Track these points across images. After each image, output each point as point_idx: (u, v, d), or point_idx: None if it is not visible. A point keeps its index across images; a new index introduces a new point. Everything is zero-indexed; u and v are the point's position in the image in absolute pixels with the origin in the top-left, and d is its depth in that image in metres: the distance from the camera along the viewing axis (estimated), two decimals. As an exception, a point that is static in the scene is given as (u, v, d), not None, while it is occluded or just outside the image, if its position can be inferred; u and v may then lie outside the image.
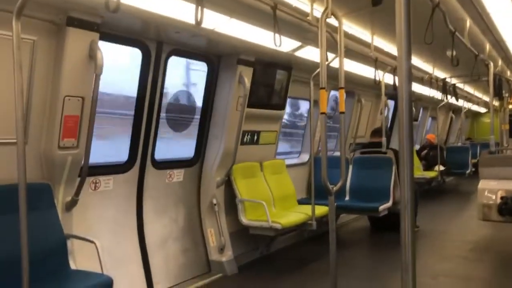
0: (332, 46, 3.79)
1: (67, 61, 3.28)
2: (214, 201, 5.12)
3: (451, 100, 9.57)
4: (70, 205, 3.54)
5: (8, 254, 2.85)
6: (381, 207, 6.18)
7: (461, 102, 12.22)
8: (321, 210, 5.45)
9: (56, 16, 3.20)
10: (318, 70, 3.45)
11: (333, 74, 3.65)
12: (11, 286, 2.71)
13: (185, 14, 3.44)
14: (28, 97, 3.21)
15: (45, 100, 3.33)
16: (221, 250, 5.10)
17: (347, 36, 4.98)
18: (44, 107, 3.33)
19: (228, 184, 5.29)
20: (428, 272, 4.99)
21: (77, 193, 3.54)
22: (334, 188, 3.43)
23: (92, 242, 3.27)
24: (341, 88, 3.46)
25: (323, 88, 3.29)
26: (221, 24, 3.95)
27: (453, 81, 9.08)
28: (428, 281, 4.67)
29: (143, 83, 4.40)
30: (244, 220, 5.18)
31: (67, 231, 3.41)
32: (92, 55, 3.34)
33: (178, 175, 4.94)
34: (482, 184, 5.51)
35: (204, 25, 3.39)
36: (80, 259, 3.44)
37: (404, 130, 1.62)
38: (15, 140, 2.53)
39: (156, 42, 4.37)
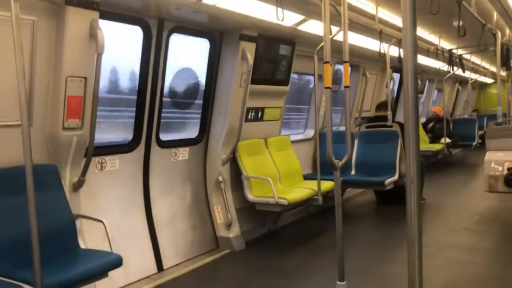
0: (336, 19, 3.72)
1: (68, 41, 3.24)
2: (220, 179, 5.14)
3: (458, 71, 9.44)
4: (77, 186, 3.57)
5: (18, 235, 2.89)
6: (387, 181, 6.19)
7: (467, 73, 12.06)
8: (327, 185, 5.47)
9: None
10: (322, 44, 3.40)
11: (337, 48, 3.60)
12: (22, 266, 2.76)
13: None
14: (30, 79, 3.20)
15: (47, 81, 3.31)
16: (228, 226, 5.16)
17: (351, 8, 4.89)
18: (47, 88, 3.32)
19: (233, 161, 5.30)
20: (435, 244, 5.02)
21: (84, 173, 3.56)
22: (340, 163, 3.43)
23: (100, 221, 3.31)
24: (346, 62, 3.41)
25: (327, 62, 3.25)
26: (223, -1, 3.88)
27: (460, 52, 8.94)
28: (435, 253, 4.70)
29: (145, 62, 4.36)
30: (250, 196, 5.21)
31: (75, 211, 3.45)
32: (93, 34, 3.30)
33: (183, 153, 4.95)
34: (489, 155, 5.48)
35: (205, 0, 3.33)
36: (89, 238, 3.49)
37: (409, 103, 1.60)
38: (19, 123, 2.53)
39: (157, 20, 4.31)
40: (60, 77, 3.28)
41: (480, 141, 11.61)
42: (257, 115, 5.66)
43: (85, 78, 3.37)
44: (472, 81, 13.37)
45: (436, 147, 10.47)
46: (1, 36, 2.92)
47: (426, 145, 10.21)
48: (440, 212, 6.63)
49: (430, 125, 11.31)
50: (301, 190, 5.45)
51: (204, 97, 5.20)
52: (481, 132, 11.89)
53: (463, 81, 14.04)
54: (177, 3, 3.79)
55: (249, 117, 5.48)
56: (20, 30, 2.47)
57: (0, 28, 2.90)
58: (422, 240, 1.62)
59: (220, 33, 4.99)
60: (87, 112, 3.43)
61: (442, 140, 10.48)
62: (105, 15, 3.60)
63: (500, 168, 5.28)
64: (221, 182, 5.15)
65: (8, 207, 3.00)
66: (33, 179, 2.51)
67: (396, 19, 5.88)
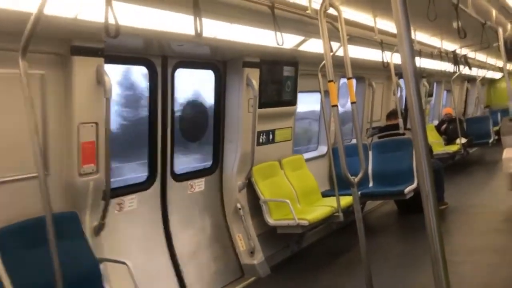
0: (335, 35, 3.75)
1: (77, 89, 3.33)
2: (239, 206, 5.13)
3: (464, 70, 9.39)
4: (98, 229, 3.60)
5: (45, 286, 2.91)
6: (407, 190, 6.11)
7: (475, 71, 11.97)
8: (346, 200, 5.42)
9: (60, 47, 3.25)
10: (324, 62, 3.43)
11: (340, 63, 3.62)
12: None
13: (186, 25, 3.45)
14: (43, 130, 3.27)
15: (60, 130, 3.38)
16: (251, 253, 5.12)
17: (349, 23, 4.93)
18: (60, 137, 3.39)
19: (250, 187, 5.30)
20: (463, 249, 4.92)
21: (103, 216, 3.59)
22: (356, 179, 3.41)
23: (123, 263, 3.32)
24: (349, 78, 3.43)
25: (331, 81, 3.27)
26: (222, 30, 3.95)
27: (464, 51, 8.91)
28: (464, 258, 4.60)
29: (153, 99, 4.43)
30: (270, 220, 5.18)
31: (98, 255, 3.47)
32: (100, 80, 3.38)
33: (199, 184, 4.97)
34: (507, 152, 5.41)
35: (205, 34, 3.40)
36: (115, 280, 3.50)
37: (414, 109, 1.58)
38: (36, 174, 2.58)
39: (160, 57, 4.40)
40: (72, 124, 3.35)
41: (496, 137, 11.43)
42: (268, 137, 5.68)
43: (96, 123, 3.44)
44: (480, 78, 13.27)
45: (452, 148, 10.33)
46: (12, 91, 3.00)
47: (441, 148, 10.07)
48: (464, 215, 6.51)
49: (444, 126, 11.20)
50: (321, 209, 5.41)
51: (214, 126, 5.25)
52: (496, 128, 11.72)
53: (471, 79, 13.94)
54: (178, 40, 3.87)
55: (260, 140, 5.50)
56: (30, 84, 2.54)
57: (11, 83, 2.99)
58: (445, 255, 1.59)
59: (223, 62, 5.07)
60: (101, 156, 3.49)
61: (458, 141, 10.35)
62: (110, 59, 3.69)
63: (520, 165, 5.20)
64: (239, 209, 5.14)
65: (33, 258, 3.03)
66: (54, 228, 2.54)
67: (395, 28, 5.90)
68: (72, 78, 3.31)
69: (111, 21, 2.66)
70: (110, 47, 3.58)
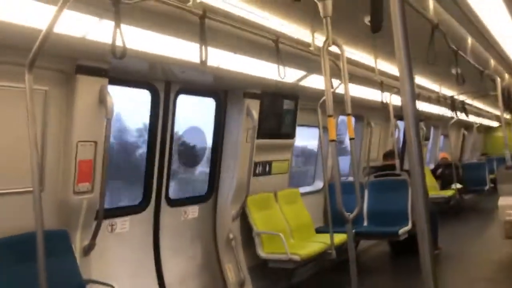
0: (336, 72, 3.83)
1: (79, 108, 3.36)
2: (231, 236, 5.08)
3: (462, 116, 9.51)
4: (88, 249, 3.55)
5: (28, 303, 2.85)
6: (401, 231, 6.07)
7: (472, 118, 12.13)
8: (340, 238, 5.37)
9: (66, 65, 3.30)
10: (324, 97, 3.48)
11: (340, 99, 3.67)
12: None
13: (190, 53, 3.53)
14: (42, 146, 3.28)
15: (58, 147, 3.39)
16: (241, 286, 5.03)
17: (351, 62, 5.04)
18: (58, 154, 3.39)
19: (243, 217, 5.26)
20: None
21: (94, 236, 3.55)
22: (351, 216, 3.40)
23: (111, 286, 3.26)
24: (348, 114, 3.48)
25: (331, 116, 3.31)
26: (226, 60, 4.03)
27: (462, 97, 9.06)
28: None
29: (153, 123, 4.47)
30: (262, 253, 5.11)
31: (85, 275, 3.41)
32: (102, 100, 3.42)
33: (193, 211, 4.94)
34: (502, 201, 5.40)
35: (209, 62, 3.47)
36: (100, 303, 3.42)
37: (413, 151, 1.60)
38: (31, 189, 2.57)
39: (164, 82, 4.46)
40: (71, 142, 3.36)
41: (492, 185, 11.45)
42: (265, 169, 5.68)
43: (95, 142, 3.45)
44: (477, 125, 13.42)
45: (447, 193, 10.33)
46: (14, 105, 3.03)
47: (436, 192, 10.07)
48: (457, 262, 6.44)
49: (439, 171, 11.23)
50: (314, 245, 5.35)
51: (211, 154, 5.26)
52: (492, 176, 11.75)
53: (468, 126, 14.10)
54: (183, 67, 3.94)
55: (257, 171, 5.50)
56: (33, 100, 2.57)
57: (14, 97, 3.02)
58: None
59: (225, 91, 5.14)
60: (97, 176, 3.48)
61: (453, 186, 10.36)
62: (113, 81, 3.74)
63: (515, 213, 5.19)
64: (232, 239, 5.08)
65: (19, 274, 2.98)
66: (44, 245, 2.51)
67: (395, 70, 6.02)
68: (74, 96, 3.35)
69: (119, 43, 2.72)
70: (114, 69, 3.64)
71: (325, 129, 5.55)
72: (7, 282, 2.91)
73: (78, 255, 3.44)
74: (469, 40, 5.25)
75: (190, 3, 3.13)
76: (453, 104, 8.59)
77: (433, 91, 8.22)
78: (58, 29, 2.55)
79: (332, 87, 4.11)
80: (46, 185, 3.32)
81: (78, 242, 3.49)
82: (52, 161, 3.36)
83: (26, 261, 2.96)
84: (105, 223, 3.93)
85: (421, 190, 1.58)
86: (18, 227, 3.07)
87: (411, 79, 1.65)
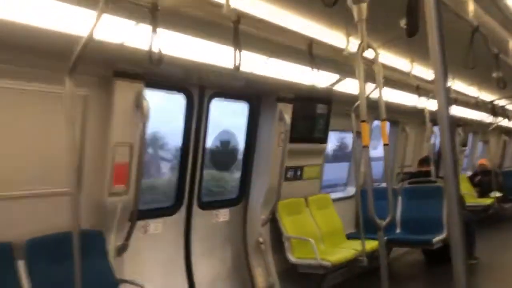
0: (371, 76, 3.77)
1: (116, 111, 3.45)
2: (261, 240, 5.07)
3: (502, 122, 9.17)
4: (121, 250, 3.64)
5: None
6: (435, 239, 5.91)
7: None
8: (371, 244, 5.27)
9: (104, 70, 3.40)
10: (358, 102, 3.43)
11: (374, 104, 3.61)
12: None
13: (224, 58, 3.55)
14: (80, 148, 3.38)
15: (96, 149, 3.49)
16: (270, 290, 5.02)
17: (385, 66, 4.94)
18: (96, 156, 3.49)
19: (273, 222, 5.25)
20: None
21: (128, 237, 3.63)
22: (383, 223, 3.33)
23: (142, 286, 3.32)
24: (383, 120, 3.42)
25: (364, 121, 3.26)
26: (259, 65, 4.04)
27: (503, 102, 8.73)
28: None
29: (187, 127, 4.53)
30: (292, 258, 5.09)
31: (118, 275, 3.49)
32: (138, 104, 3.50)
33: (224, 214, 4.97)
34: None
35: (243, 67, 3.48)
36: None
37: (447, 157, 1.54)
38: (69, 190, 2.65)
39: (198, 87, 4.51)
40: (107, 144, 3.45)
41: (534, 194, 10.95)
42: (296, 174, 5.65)
43: (131, 145, 3.53)
44: (519, 131, 12.88)
45: (486, 201, 9.95)
46: (54, 109, 3.14)
47: (474, 200, 9.73)
48: (495, 273, 6.21)
49: (477, 178, 10.85)
50: (345, 251, 5.29)
51: (243, 158, 5.28)
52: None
53: (509, 132, 13.56)
54: (217, 72, 3.98)
55: (288, 176, 5.48)
56: (73, 104, 2.65)
57: (54, 101, 3.13)
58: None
59: (257, 96, 5.15)
60: (132, 178, 3.56)
61: (492, 194, 9.99)
62: (149, 85, 3.81)
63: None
64: (261, 243, 5.07)
65: (55, 272, 3.08)
66: (80, 245, 2.59)
67: (432, 74, 5.87)
68: (112, 100, 3.44)
69: (155, 49, 2.77)
70: (151, 73, 3.71)
71: (358, 134, 5.48)
72: (43, 279, 3.01)
73: (111, 255, 3.53)
74: (511, 43, 5.06)
75: (224, 9, 3.15)
76: (493, 109, 8.28)
77: (472, 97, 7.96)
78: (98, 35, 2.63)
79: (366, 92, 4.04)
80: (83, 187, 3.42)
81: (112, 243, 3.58)
82: (89, 163, 3.46)
83: (62, 259, 3.06)
84: (139, 224, 4.01)
85: (454, 197, 1.53)
86: (55, 227, 3.18)
87: (446, 83, 1.60)
